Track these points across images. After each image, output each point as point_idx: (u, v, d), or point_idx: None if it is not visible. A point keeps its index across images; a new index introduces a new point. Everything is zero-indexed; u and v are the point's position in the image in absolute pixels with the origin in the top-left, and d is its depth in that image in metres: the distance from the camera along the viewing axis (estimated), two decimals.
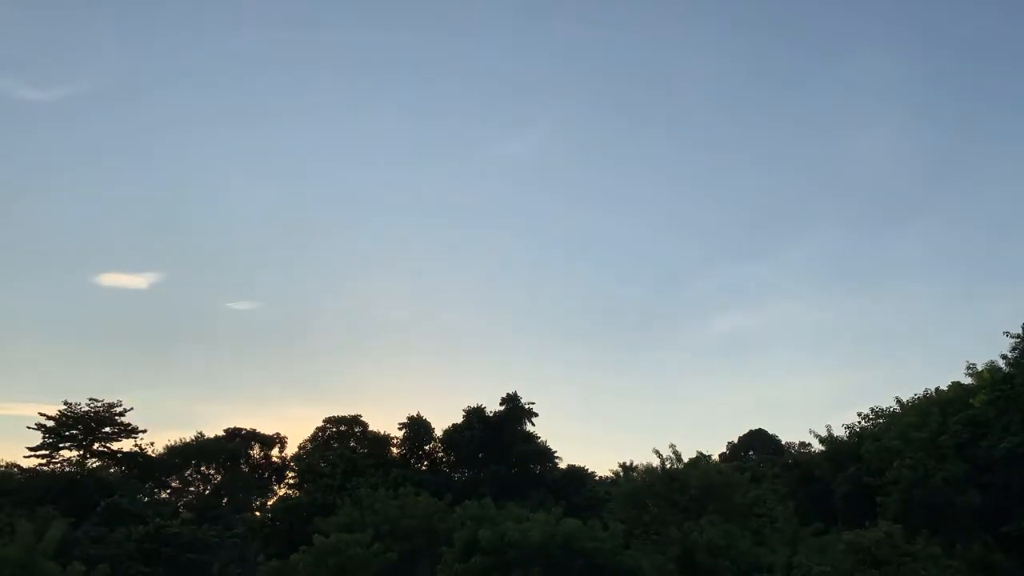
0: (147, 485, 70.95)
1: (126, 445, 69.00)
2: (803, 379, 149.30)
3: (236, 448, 75.13)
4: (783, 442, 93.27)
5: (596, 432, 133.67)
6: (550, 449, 66.86)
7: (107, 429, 67.92)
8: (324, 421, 78.85)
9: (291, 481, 73.77)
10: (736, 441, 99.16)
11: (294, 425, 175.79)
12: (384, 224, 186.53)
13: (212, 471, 74.53)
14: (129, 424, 68.80)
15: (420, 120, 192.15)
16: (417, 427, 72.72)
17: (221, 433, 75.41)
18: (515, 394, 67.56)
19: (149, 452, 70.39)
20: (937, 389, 47.27)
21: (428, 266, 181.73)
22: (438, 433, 71.69)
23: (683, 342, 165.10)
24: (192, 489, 74.01)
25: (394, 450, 75.24)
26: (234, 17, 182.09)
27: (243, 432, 76.02)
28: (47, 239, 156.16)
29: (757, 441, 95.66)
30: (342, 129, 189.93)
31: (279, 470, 75.70)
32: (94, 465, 66.96)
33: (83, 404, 67.09)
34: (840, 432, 50.03)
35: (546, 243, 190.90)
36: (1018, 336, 42.08)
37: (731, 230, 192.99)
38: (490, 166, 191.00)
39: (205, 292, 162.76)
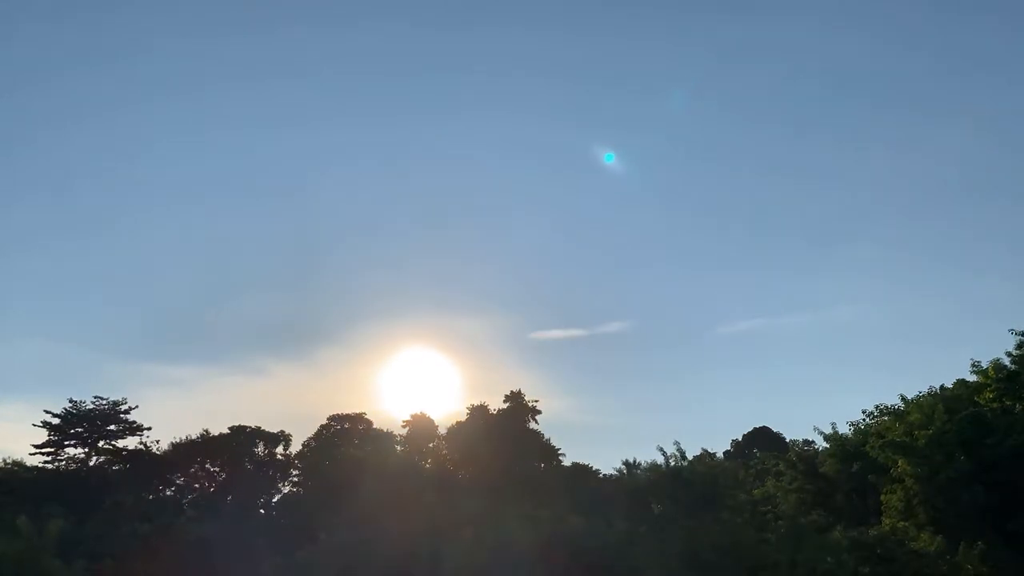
0: (152, 482, 71.02)
1: (131, 443, 69.20)
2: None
3: (241, 445, 75.07)
4: (787, 440, 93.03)
5: (601, 430, 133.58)
6: (554, 447, 66.73)
7: (112, 427, 68.03)
8: (328, 419, 78.89)
9: (296, 479, 73.85)
10: (740, 439, 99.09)
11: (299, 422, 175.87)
12: (387, 227, 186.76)
13: (216, 468, 74.48)
14: (134, 422, 68.97)
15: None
16: (421, 425, 72.73)
17: (226, 430, 75.39)
18: (519, 392, 67.44)
19: (154, 449, 70.49)
20: (942, 387, 47.16)
21: (433, 263, 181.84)
22: (442, 431, 71.63)
23: (690, 340, 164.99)
24: (197, 486, 73.94)
25: (397, 448, 75.20)
26: None
27: (247, 429, 75.96)
28: None
29: (761, 439, 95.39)
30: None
31: (284, 468, 75.64)
32: (99, 462, 67.09)
33: (88, 402, 67.27)
34: (845, 429, 50.09)
35: (548, 239, 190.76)
36: None
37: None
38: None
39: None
